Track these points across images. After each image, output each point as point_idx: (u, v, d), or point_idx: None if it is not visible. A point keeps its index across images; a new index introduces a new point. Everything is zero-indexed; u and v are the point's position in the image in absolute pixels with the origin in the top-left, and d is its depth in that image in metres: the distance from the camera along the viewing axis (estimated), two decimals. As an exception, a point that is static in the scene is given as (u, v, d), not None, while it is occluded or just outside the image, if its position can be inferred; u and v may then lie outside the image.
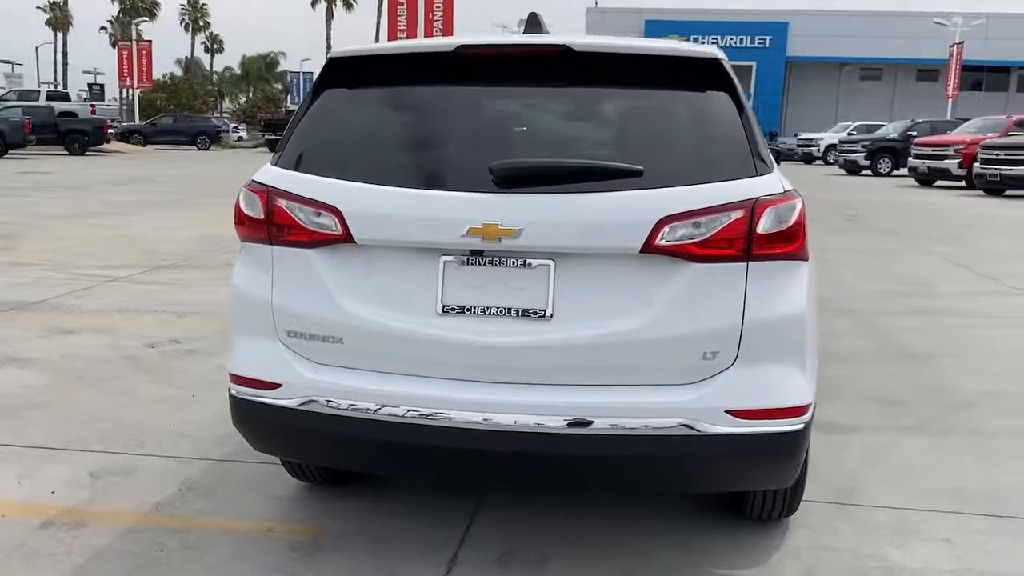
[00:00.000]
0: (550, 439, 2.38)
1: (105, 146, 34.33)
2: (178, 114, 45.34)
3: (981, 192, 20.61)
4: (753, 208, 2.37)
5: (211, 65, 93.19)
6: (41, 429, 4.00)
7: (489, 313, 2.45)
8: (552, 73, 2.61)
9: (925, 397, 4.70)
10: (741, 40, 49.94)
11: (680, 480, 2.63)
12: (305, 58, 76.39)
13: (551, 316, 2.42)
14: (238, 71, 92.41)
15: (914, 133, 27.33)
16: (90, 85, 69.38)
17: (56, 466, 3.60)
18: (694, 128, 2.57)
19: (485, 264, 2.46)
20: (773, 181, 2.45)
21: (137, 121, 46.41)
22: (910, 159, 24.25)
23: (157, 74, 59.05)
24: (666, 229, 2.34)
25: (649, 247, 2.35)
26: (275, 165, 2.69)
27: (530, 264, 2.43)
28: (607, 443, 2.38)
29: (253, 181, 2.69)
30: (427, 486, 3.41)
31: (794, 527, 3.13)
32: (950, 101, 40.00)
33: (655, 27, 49.04)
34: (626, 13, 49.75)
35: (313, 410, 2.54)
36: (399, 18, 27.80)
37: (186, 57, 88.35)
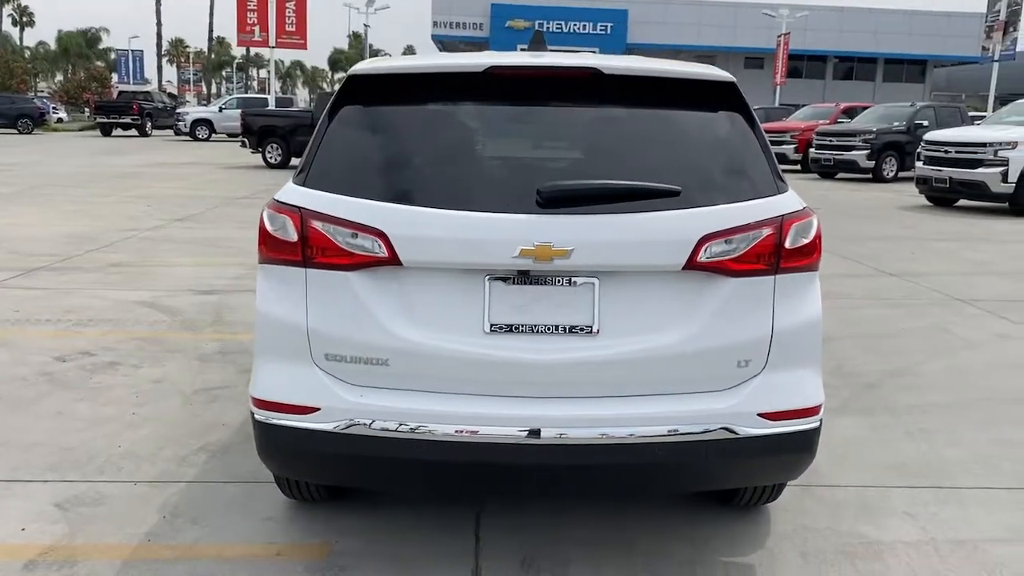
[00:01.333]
0: (607, 450, 2.48)
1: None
2: (-6, 94, 41.56)
3: (816, 175, 22.25)
4: (781, 225, 2.55)
5: (21, 40, 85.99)
6: (-22, 460, 3.70)
7: (537, 331, 2.51)
8: (580, 94, 2.69)
9: (837, 379, 5.11)
10: (584, 26, 51.04)
11: (717, 479, 2.80)
12: (134, 35, 71.94)
13: (598, 332, 2.51)
14: (54, 47, 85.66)
15: (751, 119, 28.99)
16: None
17: (13, 500, 3.35)
18: (719, 148, 2.71)
19: (531, 283, 2.51)
20: (794, 199, 2.65)
21: (-58, 102, 42.17)
22: (750, 144, 25.73)
23: (-37, 50, 53.88)
24: (707, 246, 2.49)
25: (691, 264, 2.49)
26: (301, 185, 2.61)
27: (575, 282, 2.51)
28: (659, 450, 2.50)
29: (279, 201, 2.60)
30: (420, 495, 3.42)
31: (775, 511, 3.38)
32: (778, 88, 42.75)
33: (501, 11, 49.38)
34: (473, -4, 49.81)
35: (356, 433, 2.52)
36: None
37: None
